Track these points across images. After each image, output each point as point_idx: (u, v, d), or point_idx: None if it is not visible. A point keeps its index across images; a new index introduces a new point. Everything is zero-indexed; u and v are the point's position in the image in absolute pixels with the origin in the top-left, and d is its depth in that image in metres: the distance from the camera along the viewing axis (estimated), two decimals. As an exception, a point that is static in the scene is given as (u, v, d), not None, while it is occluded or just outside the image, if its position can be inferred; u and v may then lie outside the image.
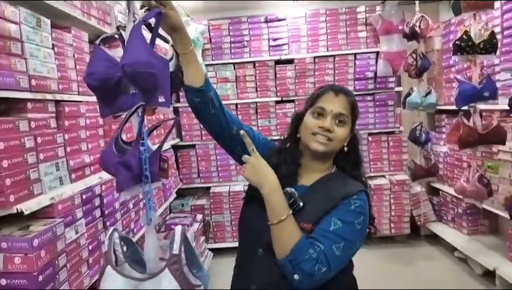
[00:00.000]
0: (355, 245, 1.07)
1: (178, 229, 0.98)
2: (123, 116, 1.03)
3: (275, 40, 3.97)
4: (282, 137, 1.28)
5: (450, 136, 2.89)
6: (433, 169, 3.51)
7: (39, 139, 1.44)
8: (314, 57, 3.94)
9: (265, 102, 3.99)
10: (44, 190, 1.45)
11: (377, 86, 3.93)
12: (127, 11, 0.97)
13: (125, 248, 1.07)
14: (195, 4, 3.72)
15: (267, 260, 1.08)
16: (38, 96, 1.47)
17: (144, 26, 0.94)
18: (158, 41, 1.05)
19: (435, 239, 3.86)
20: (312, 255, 0.99)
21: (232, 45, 3.98)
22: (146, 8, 0.96)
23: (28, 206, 1.30)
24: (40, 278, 1.28)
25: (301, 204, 1.08)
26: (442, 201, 3.86)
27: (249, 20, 3.96)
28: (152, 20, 0.99)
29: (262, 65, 3.96)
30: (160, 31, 0.99)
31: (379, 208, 3.89)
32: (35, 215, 1.43)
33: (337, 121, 1.12)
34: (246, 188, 1.24)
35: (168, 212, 3.65)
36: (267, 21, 3.95)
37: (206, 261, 3.48)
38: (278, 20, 3.96)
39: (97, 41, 0.95)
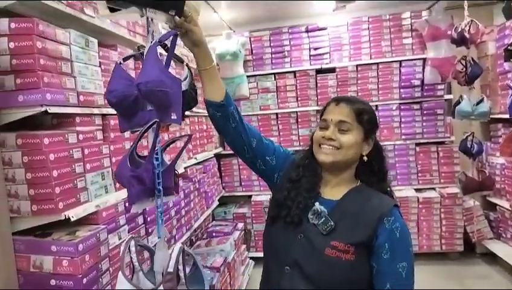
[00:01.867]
0: None
1: (176, 248, 1.01)
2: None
3: (315, 49, 3.95)
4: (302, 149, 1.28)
5: (504, 148, 2.67)
6: (488, 182, 3.26)
7: (86, 151, 1.55)
8: (357, 65, 3.87)
9: (306, 111, 3.97)
10: (90, 198, 1.56)
11: (425, 93, 3.76)
12: (147, 32, 1.02)
13: (139, 257, 1.12)
14: (237, 17, 3.81)
15: (293, 277, 1.08)
16: (86, 110, 1.59)
17: (161, 47, 0.99)
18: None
19: (492, 258, 3.57)
20: None
21: (273, 56, 4.03)
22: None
23: (75, 213, 1.41)
24: (85, 280, 1.37)
25: (333, 224, 1.06)
26: (500, 217, 3.56)
27: (289, 31, 3.98)
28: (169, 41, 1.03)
29: (303, 74, 3.95)
30: (176, 51, 1.03)
31: (428, 222, 3.69)
32: (82, 222, 1.54)
33: (340, 130, 1.11)
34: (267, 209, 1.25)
35: (211, 219, 3.73)
36: (307, 31, 3.95)
37: (247, 269, 3.50)
38: (319, 30, 3.94)
39: (119, 61, 1.01)
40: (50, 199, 1.34)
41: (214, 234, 3.17)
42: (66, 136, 1.46)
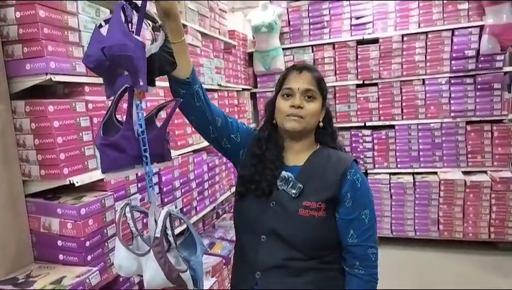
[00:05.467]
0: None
1: (163, 213, 0.98)
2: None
3: (357, 18, 3.68)
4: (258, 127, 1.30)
5: None
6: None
7: (96, 120, 1.58)
8: (403, 35, 3.55)
9: (345, 86, 3.76)
10: (99, 166, 1.60)
11: (480, 65, 3.36)
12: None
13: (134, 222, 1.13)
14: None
15: (271, 244, 1.11)
16: (96, 80, 1.61)
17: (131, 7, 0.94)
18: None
19: (549, 251, 3.21)
20: (374, 263, 1.11)
21: (311, 27, 3.83)
22: None
23: (79, 179, 1.45)
24: (88, 243, 1.43)
25: (301, 186, 1.09)
26: None
27: (329, -1, 3.75)
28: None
29: (343, 46, 3.72)
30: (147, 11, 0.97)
31: (475, 208, 3.38)
32: (92, 188, 1.60)
33: (306, 97, 1.14)
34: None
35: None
36: (349, -2, 3.69)
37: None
38: (362, -3, 3.66)
39: (97, 24, 0.97)
40: (55, 164, 1.40)
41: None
42: (73, 104, 1.49)
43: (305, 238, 1.08)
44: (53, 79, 1.39)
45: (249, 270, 1.12)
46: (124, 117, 0.99)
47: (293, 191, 1.09)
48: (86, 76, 1.56)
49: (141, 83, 0.88)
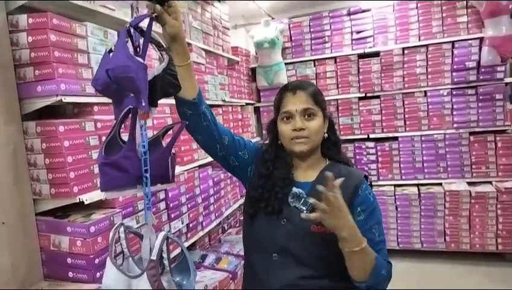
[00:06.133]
0: None
1: (160, 235, 0.99)
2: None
3: (358, 32, 3.74)
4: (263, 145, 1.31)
5: None
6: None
7: (104, 138, 1.62)
8: (403, 48, 3.59)
9: (347, 99, 3.79)
10: (107, 183, 1.63)
11: (481, 77, 3.38)
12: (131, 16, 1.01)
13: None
14: (276, 3, 3.73)
15: (283, 262, 1.10)
16: (104, 100, 1.65)
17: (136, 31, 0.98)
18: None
19: (558, 262, 3.18)
20: (384, 274, 1.05)
21: (313, 41, 3.89)
22: (152, 13, 0.99)
23: (89, 197, 1.48)
24: (97, 261, 1.45)
25: (313, 202, 1.07)
26: None
27: (330, 15, 3.81)
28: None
29: (344, 60, 3.77)
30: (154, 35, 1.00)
31: (482, 219, 3.36)
32: (101, 205, 1.63)
33: (306, 116, 1.15)
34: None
35: (247, 208, 3.75)
36: (350, 13, 3.75)
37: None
38: (362, 12, 3.72)
39: (108, 49, 1.01)
40: (65, 183, 1.43)
41: (237, 225, 3.19)
42: (83, 124, 1.53)
43: (317, 255, 1.07)
44: (63, 100, 1.43)
45: None
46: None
47: (305, 207, 1.07)
48: (95, 96, 1.61)
49: (143, 104, 0.91)
